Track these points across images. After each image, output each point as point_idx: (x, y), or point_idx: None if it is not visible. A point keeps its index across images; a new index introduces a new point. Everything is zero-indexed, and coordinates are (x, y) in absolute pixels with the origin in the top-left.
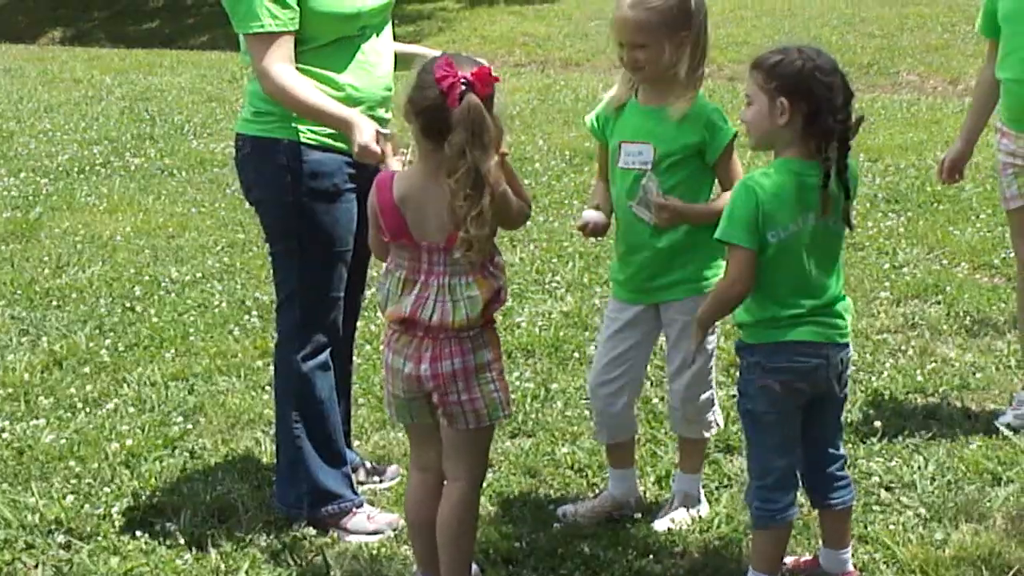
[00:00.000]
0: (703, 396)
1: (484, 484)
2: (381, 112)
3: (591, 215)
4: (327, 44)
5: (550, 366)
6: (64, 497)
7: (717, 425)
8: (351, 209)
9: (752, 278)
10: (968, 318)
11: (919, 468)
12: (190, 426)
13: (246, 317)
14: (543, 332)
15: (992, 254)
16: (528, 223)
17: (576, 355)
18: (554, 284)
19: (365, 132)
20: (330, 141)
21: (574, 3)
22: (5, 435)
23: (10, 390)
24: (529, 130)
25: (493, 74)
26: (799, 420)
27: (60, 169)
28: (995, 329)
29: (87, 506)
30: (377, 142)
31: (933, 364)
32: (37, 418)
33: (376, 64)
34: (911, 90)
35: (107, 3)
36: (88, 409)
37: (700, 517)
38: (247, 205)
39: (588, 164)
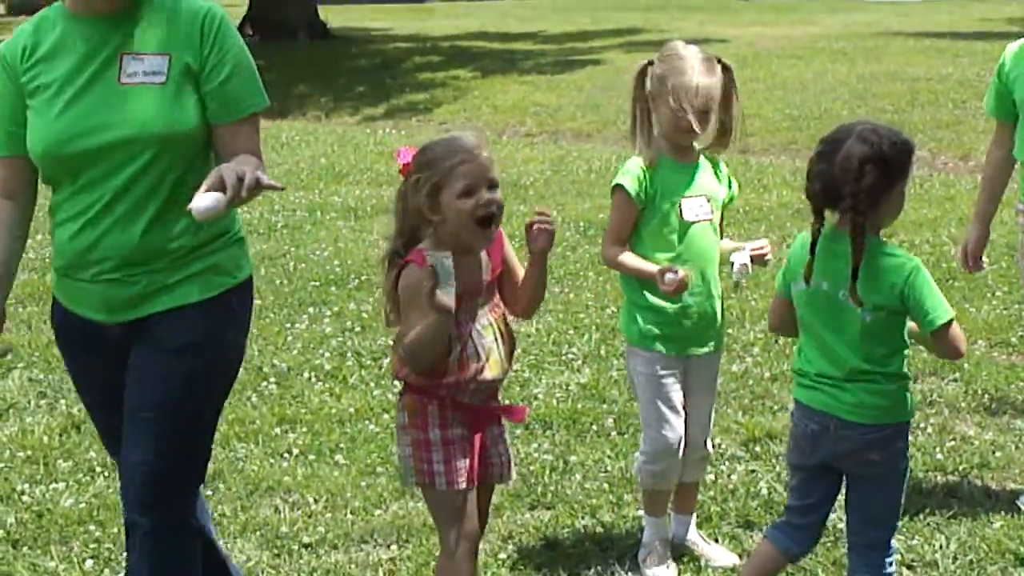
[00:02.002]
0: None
1: (503, 556)
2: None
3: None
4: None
5: (568, 438)
6: (84, 561)
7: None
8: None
9: (776, 319)
10: (986, 396)
11: (941, 547)
12: (209, 492)
13: (264, 384)
14: (560, 404)
15: (1009, 332)
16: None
17: (594, 427)
18: (571, 355)
19: None
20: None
21: (585, 75)
22: (25, 498)
23: (29, 452)
24: (543, 200)
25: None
26: (824, 480)
27: None
28: (1014, 408)
29: (107, 571)
30: None
31: (952, 442)
32: (56, 481)
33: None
34: (922, 166)
35: None
36: (107, 473)
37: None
38: (263, 271)
39: (602, 235)
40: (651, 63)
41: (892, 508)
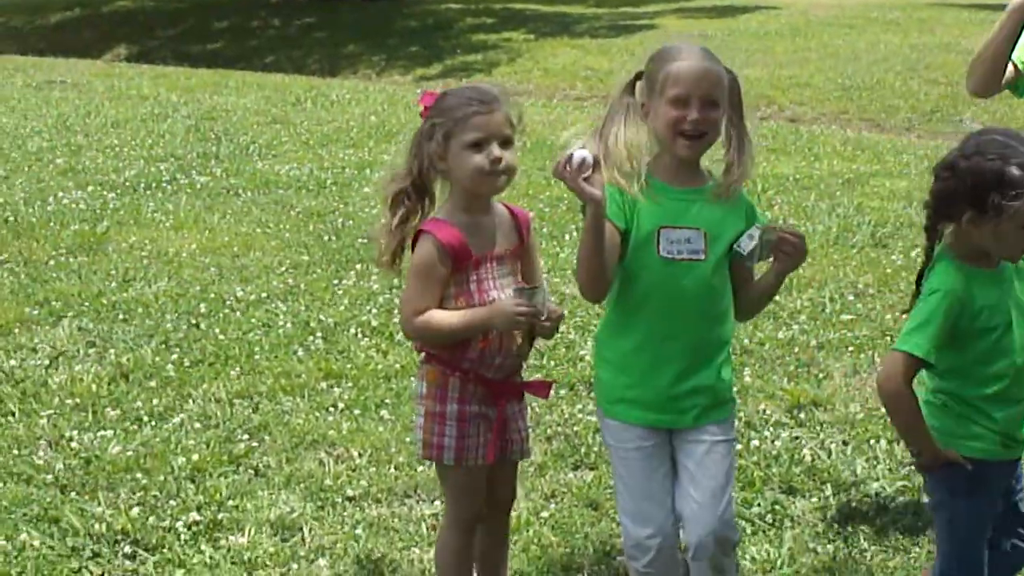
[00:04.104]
0: (735, 533)
1: (545, 515)
2: None
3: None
4: None
5: None
6: (131, 508)
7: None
8: None
9: None
10: None
11: None
12: (255, 444)
13: (310, 339)
14: None
15: None
16: None
17: None
18: None
19: None
20: None
21: (638, 40)
22: (73, 444)
23: (78, 400)
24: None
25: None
26: None
27: (127, 184)
28: None
29: (153, 518)
30: None
31: None
32: (104, 429)
33: None
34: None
35: (173, 22)
36: (154, 423)
37: None
38: (311, 227)
39: None
40: (640, 75)
41: None
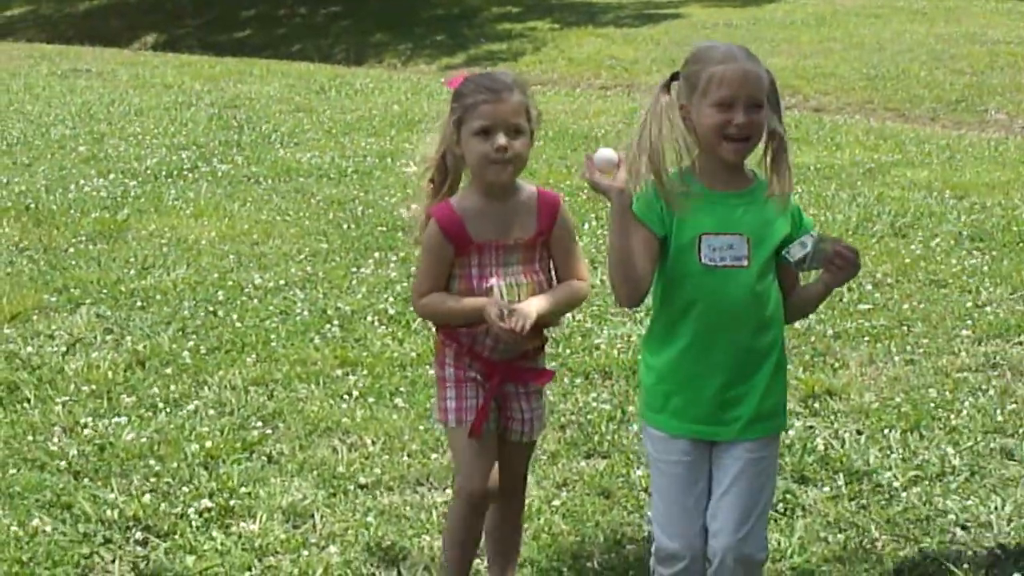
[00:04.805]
0: (761, 552)
1: (557, 503)
2: None
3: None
4: None
5: (627, 388)
6: (143, 495)
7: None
8: None
9: None
10: None
11: (996, 509)
12: (269, 431)
13: (327, 326)
14: (621, 355)
15: None
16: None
17: None
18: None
19: None
20: None
21: (663, 29)
22: (87, 431)
23: (93, 387)
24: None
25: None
26: None
27: (148, 172)
28: None
29: (165, 504)
30: None
31: (1013, 405)
32: (119, 416)
33: None
34: (998, 129)
35: (200, 11)
36: (169, 409)
37: None
38: (331, 215)
39: None
40: (675, 77)
41: None
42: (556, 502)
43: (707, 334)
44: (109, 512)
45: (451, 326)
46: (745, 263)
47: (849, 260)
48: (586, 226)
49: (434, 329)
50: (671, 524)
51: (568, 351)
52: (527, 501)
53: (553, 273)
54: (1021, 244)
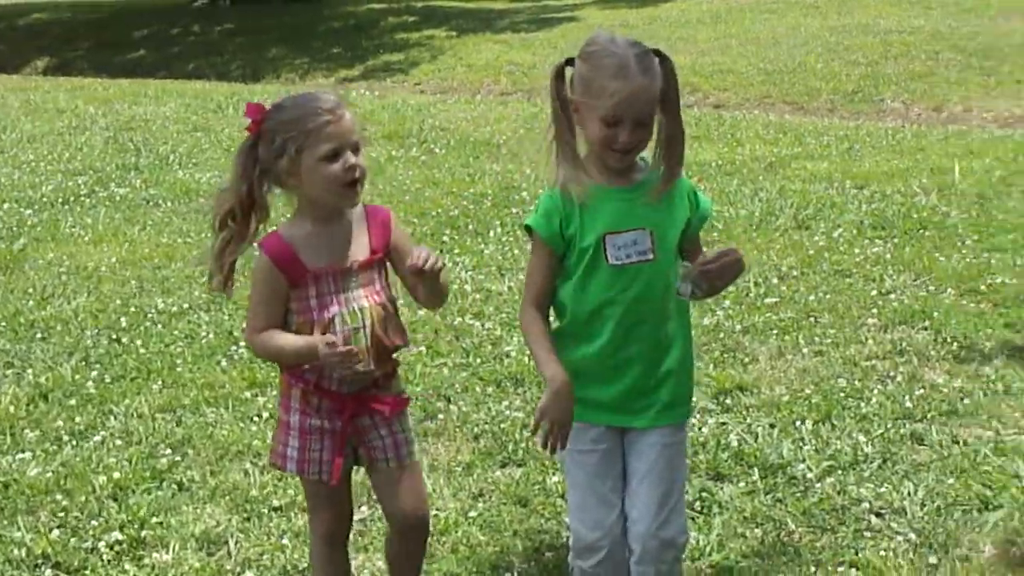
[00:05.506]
0: (682, 536)
1: (474, 514)
2: None
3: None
4: None
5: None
6: (51, 531)
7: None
8: None
9: None
10: (955, 344)
11: (909, 494)
12: (178, 458)
13: (233, 348)
14: (531, 361)
15: (978, 280)
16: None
17: None
18: None
19: None
20: None
21: (560, 32)
22: None
23: None
24: (516, 159)
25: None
26: None
27: (44, 200)
28: (982, 355)
29: (74, 540)
30: None
31: (921, 390)
32: (23, 451)
33: None
34: (895, 117)
35: (91, 33)
36: (75, 442)
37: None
38: None
39: None
40: (570, 61)
41: None
42: (473, 513)
43: (624, 330)
44: (16, 551)
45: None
46: (651, 256)
47: (711, 272)
48: (491, 233)
49: (280, 370)
50: (589, 514)
51: (479, 360)
52: (443, 515)
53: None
54: (921, 231)
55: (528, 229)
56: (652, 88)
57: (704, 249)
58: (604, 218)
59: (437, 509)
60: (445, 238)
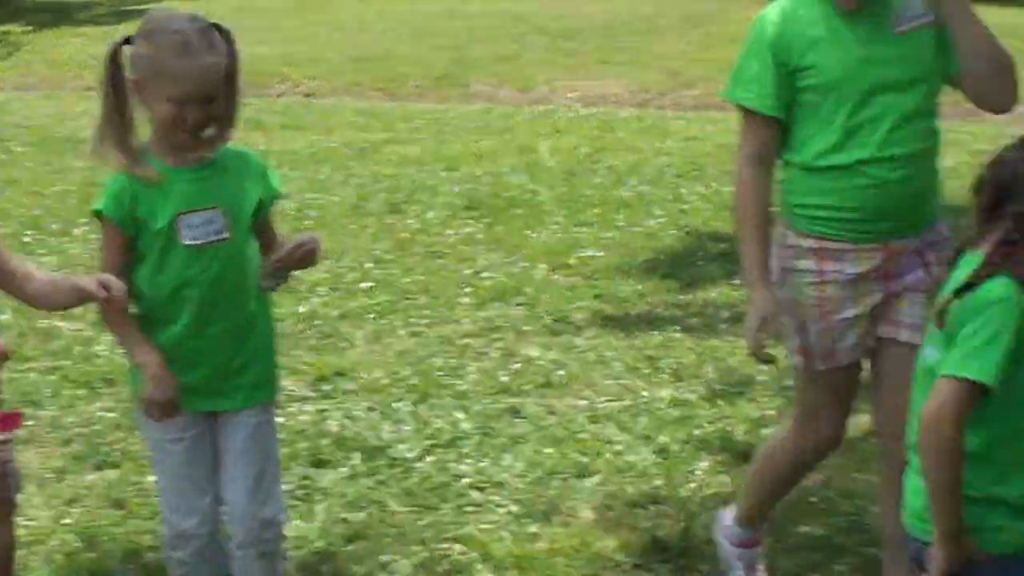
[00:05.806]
0: (281, 514)
1: (69, 521)
2: None
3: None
4: None
5: (133, 394)
6: None
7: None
8: None
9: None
10: (549, 317)
11: (508, 467)
12: None
13: None
14: (124, 360)
15: (568, 255)
16: None
17: None
18: None
19: None
20: None
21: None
22: None
23: None
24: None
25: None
26: None
27: None
28: (575, 327)
29: None
30: None
31: (517, 364)
32: None
33: None
34: (483, 100)
35: None
36: None
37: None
38: None
39: None
40: (128, 40)
41: None
42: (67, 520)
43: (204, 312)
44: None
45: None
46: (226, 235)
47: (290, 266)
48: (77, 231)
49: None
50: (183, 501)
51: (68, 362)
52: (34, 523)
53: None
54: (511, 210)
55: (97, 214)
56: (219, 65)
57: (286, 235)
58: (176, 199)
59: (28, 519)
60: (27, 239)
